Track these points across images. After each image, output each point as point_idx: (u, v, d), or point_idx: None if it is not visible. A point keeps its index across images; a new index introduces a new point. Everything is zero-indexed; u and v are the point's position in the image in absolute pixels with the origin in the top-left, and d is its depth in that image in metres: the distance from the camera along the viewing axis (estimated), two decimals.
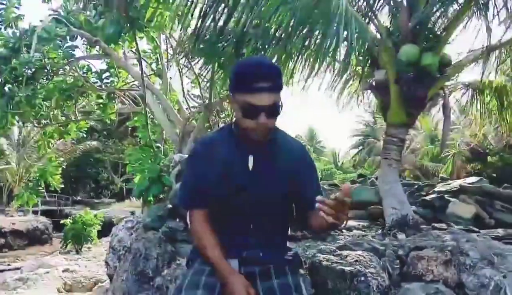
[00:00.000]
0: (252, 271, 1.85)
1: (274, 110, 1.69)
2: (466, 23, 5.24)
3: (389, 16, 5.43)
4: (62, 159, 11.69)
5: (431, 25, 5.17)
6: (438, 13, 5.19)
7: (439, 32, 5.17)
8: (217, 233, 1.87)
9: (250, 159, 1.83)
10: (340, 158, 29.53)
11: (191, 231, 2.00)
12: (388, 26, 5.33)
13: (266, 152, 1.85)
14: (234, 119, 1.91)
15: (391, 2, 5.31)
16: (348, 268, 2.85)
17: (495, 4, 4.76)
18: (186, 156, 5.40)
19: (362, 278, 2.80)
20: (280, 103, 1.72)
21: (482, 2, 4.88)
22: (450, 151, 19.37)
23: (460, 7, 5.04)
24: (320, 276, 2.87)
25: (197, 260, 1.94)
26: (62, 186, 10.67)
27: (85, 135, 13.29)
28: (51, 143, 10.89)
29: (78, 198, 30.33)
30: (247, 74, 1.70)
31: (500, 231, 3.99)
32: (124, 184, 29.41)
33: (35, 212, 22.76)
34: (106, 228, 11.69)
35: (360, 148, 25.32)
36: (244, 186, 1.82)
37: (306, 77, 5.67)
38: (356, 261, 2.94)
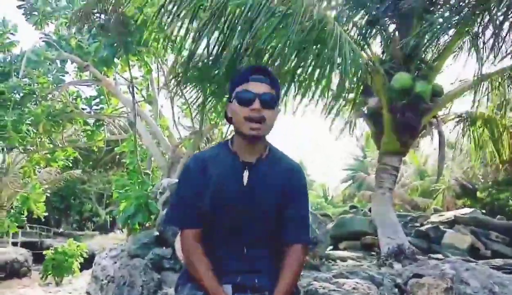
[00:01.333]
0: None
1: (268, 99, 1.69)
2: (457, 54, 5.29)
3: (381, 45, 5.49)
4: (46, 186, 11.39)
5: (423, 54, 5.24)
6: (429, 43, 5.25)
7: (431, 62, 5.23)
8: (210, 257, 1.74)
9: (245, 174, 1.74)
10: (329, 192, 29.47)
11: (182, 251, 1.89)
12: (381, 55, 5.37)
13: (261, 168, 1.77)
14: (230, 136, 1.87)
15: (383, 31, 5.39)
16: None
17: (484, 35, 4.82)
18: (175, 181, 5.26)
19: None
20: (275, 98, 1.73)
21: (472, 33, 4.96)
22: (440, 186, 19.48)
23: (451, 37, 5.12)
24: None
25: (187, 285, 1.80)
26: (46, 213, 10.33)
27: (70, 165, 13.04)
28: (36, 171, 10.64)
29: (60, 229, 29.47)
30: (245, 70, 1.81)
31: (498, 261, 3.88)
32: (108, 216, 28.75)
33: (14, 244, 21.99)
34: (89, 261, 11.27)
35: (350, 182, 25.30)
36: (239, 201, 1.73)
37: (297, 105, 5.64)
38: (354, 288, 2.80)
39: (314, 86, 5.34)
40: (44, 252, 13.32)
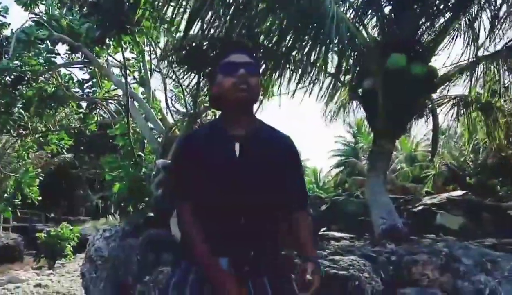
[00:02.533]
0: (242, 271, 1.72)
1: (251, 67, 1.75)
2: (454, 36, 5.28)
3: (377, 26, 5.45)
4: (39, 170, 11.29)
5: (419, 36, 5.22)
6: (425, 25, 5.23)
7: (426, 44, 5.21)
8: (206, 230, 1.75)
9: (237, 146, 1.76)
10: (321, 178, 29.59)
11: (178, 226, 1.90)
12: (377, 36, 5.34)
13: (252, 139, 1.79)
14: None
15: (379, 13, 5.35)
16: (342, 272, 2.73)
17: (481, 17, 4.81)
18: (170, 162, 5.24)
19: (357, 283, 2.69)
20: (256, 65, 1.80)
21: (469, 15, 4.95)
22: (430, 172, 19.61)
23: (447, 19, 5.10)
24: None
25: (183, 261, 1.81)
26: (40, 198, 10.25)
27: (63, 150, 12.93)
28: (29, 155, 10.52)
29: (52, 215, 29.33)
30: (226, 49, 1.99)
31: (489, 241, 3.93)
32: (100, 201, 28.65)
33: (5, 229, 21.86)
34: (81, 245, 11.27)
35: (341, 168, 25.39)
36: (232, 174, 1.73)
37: (294, 88, 5.62)
38: (350, 265, 2.83)
39: (310, 67, 5.32)
40: (37, 235, 13.29)
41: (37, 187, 10.15)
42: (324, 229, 5.43)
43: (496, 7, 4.69)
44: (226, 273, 1.65)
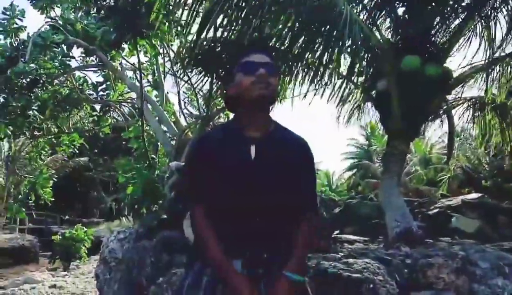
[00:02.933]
0: (255, 273, 1.71)
1: (271, 67, 1.75)
2: (469, 37, 5.21)
3: (390, 27, 5.41)
4: (53, 172, 11.45)
5: (433, 37, 5.16)
6: (440, 26, 5.17)
7: (441, 45, 5.16)
8: (220, 232, 1.74)
9: (253, 148, 1.75)
10: (334, 180, 29.36)
11: (192, 227, 1.91)
12: (390, 38, 5.30)
13: (268, 142, 1.78)
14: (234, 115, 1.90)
15: (393, 14, 5.31)
16: (356, 275, 2.71)
17: (497, 16, 4.74)
18: (183, 164, 5.26)
19: (371, 286, 2.66)
20: (275, 66, 1.81)
21: (484, 16, 4.88)
22: (445, 175, 19.38)
23: (462, 20, 5.04)
24: (326, 284, 2.71)
25: (196, 264, 1.80)
26: (53, 199, 10.39)
27: (77, 151, 13.09)
28: (43, 156, 10.67)
29: (66, 217, 29.69)
30: (246, 49, 1.85)
31: (507, 244, 3.86)
32: (114, 204, 28.92)
33: (21, 230, 22.20)
34: (95, 247, 11.36)
35: (354, 170, 25.19)
36: (247, 176, 1.73)
37: (306, 90, 5.60)
38: (364, 268, 2.80)
39: (322, 69, 5.30)
40: (52, 237, 13.44)
41: (51, 189, 10.29)
42: (338, 231, 5.40)
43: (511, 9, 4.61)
44: (240, 275, 1.64)
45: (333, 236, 4.70)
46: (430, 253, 3.12)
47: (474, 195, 5.77)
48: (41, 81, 8.66)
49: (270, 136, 1.79)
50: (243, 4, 4.68)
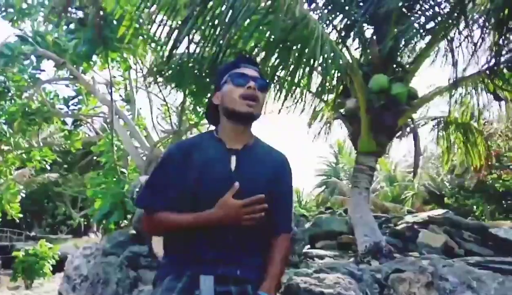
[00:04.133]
0: (228, 290, 1.67)
1: (261, 82, 1.74)
2: (434, 58, 5.44)
3: (359, 48, 5.58)
4: (21, 187, 11.08)
5: (400, 58, 5.35)
6: (405, 48, 5.38)
7: (407, 65, 5.35)
8: (190, 245, 1.70)
9: (233, 160, 1.72)
10: (303, 197, 29.61)
11: (147, 229, 1.87)
12: (358, 58, 5.47)
13: (249, 155, 1.75)
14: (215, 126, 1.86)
15: (361, 35, 5.48)
16: (328, 291, 2.71)
17: (460, 40, 4.97)
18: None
19: None
20: (265, 82, 1.79)
21: (448, 38, 5.11)
22: (409, 192, 19.92)
23: (427, 42, 5.26)
24: None
25: (167, 277, 1.75)
26: (20, 215, 10.03)
27: (48, 167, 12.71)
28: (12, 172, 10.34)
29: (33, 233, 28.60)
30: (237, 59, 1.86)
31: (473, 259, 3.97)
32: (83, 220, 28.10)
33: None
34: (61, 265, 10.96)
35: (324, 187, 25.52)
36: (225, 188, 1.68)
37: (280, 106, 5.67)
38: (336, 283, 2.81)
39: (295, 86, 5.39)
40: (14, 254, 12.89)
41: (18, 204, 9.93)
42: (308, 246, 5.42)
43: (473, 32, 4.85)
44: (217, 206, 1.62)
45: (303, 251, 4.71)
46: (401, 268, 3.17)
47: (439, 211, 5.92)
48: (9, 94, 8.45)
49: (250, 149, 1.76)
50: (217, 19, 4.73)
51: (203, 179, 1.69)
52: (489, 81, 5.33)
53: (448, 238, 4.94)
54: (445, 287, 2.89)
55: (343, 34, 5.52)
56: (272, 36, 4.56)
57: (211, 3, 4.17)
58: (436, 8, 5.24)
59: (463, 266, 3.31)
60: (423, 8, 5.32)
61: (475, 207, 16.26)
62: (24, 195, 12.49)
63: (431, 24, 5.31)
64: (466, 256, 4.56)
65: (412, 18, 5.29)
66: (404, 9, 5.41)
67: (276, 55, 4.85)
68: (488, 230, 5.12)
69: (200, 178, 1.69)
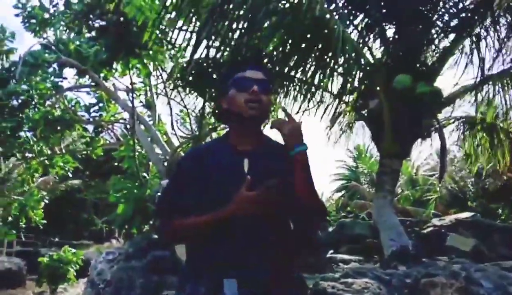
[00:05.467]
0: (251, 293, 1.63)
1: (265, 84, 1.72)
2: (458, 56, 5.29)
3: (381, 48, 5.47)
4: (44, 193, 11.27)
5: (423, 57, 5.23)
6: (429, 47, 5.25)
7: (431, 64, 5.22)
8: (210, 251, 1.67)
9: (246, 162, 1.71)
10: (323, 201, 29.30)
11: (166, 236, 1.86)
12: (381, 57, 5.37)
13: (261, 155, 1.74)
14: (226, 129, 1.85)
15: (383, 35, 5.38)
16: None
17: (486, 37, 4.82)
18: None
19: None
20: (270, 84, 1.77)
21: (473, 35, 4.97)
22: (432, 196, 19.52)
23: (452, 40, 5.13)
24: None
25: (189, 282, 1.72)
26: (44, 221, 10.20)
27: (69, 175, 12.90)
28: (34, 179, 10.53)
29: (56, 239, 29.12)
30: (240, 63, 1.83)
31: (507, 263, 3.81)
32: (104, 226, 28.50)
33: (9, 253, 21.67)
34: (84, 270, 11.09)
35: (343, 192, 25.26)
36: (240, 189, 1.67)
37: (298, 108, 5.61)
38: (364, 288, 2.73)
39: (314, 88, 5.33)
40: (39, 260, 13.10)
41: (42, 211, 10.09)
42: (332, 251, 5.33)
43: (500, 28, 4.71)
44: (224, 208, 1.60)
45: (327, 255, 4.63)
46: (431, 272, 3.06)
47: (467, 214, 5.74)
48: (33, 102, 8.62)
49: (262, 149, 1.76)
50: (236, 22, 4.71)
51: (217, 183, 1.69)
52: None
53: (478, 242, 4.77)
54: (479, 292, 2.78)
55: (364, 34, 5.43)
56: (292, 37, 4.51)
57: (231, 5, 4.14)
58: (460, 5, 5.11)
59: (497, 270, 3.18)
60: (446, 6, 5.19)
61: (500, 210, 15.81)
62: (47, 202, 12.73)
63: (455, 22, 5.19)
64: (498, 260, 4.39)
65: (436, 16, 5.17)
66: (426, 7, 5.28)
67: (295, 56, 4.81)
68: None
69: (214, 182, 1.70)
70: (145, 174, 6.81)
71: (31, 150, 9.59)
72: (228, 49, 5.04)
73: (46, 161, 10.15)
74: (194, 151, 1.95)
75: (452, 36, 5.23)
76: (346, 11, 5.52)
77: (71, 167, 10.43)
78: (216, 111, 2.01)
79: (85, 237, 30.54)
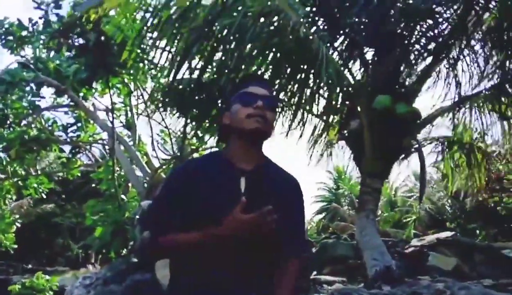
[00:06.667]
0: None
1: (270, 100, 1.68)
2: (436, 78, 5.45)
3: (360, 69, 5.59)
4: (17, 216, 10.88)
5: (402, 78, 5.35)
6: (407, 69, 5.38)
7: (409, 85, 5.35)
8: (199, 269, 1.61)
9: (242, 181, 1.65)
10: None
11: (158, 252, 1.73)
12: (361, 79, 5.47)
13: (259, 175, 1.68)
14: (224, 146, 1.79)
15: (362, 57, 5.50)
16: None
17: (463, 59, 4.99)
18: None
19: None
20: (275, 101, 1.79)
21: (452, 57, 5.12)
22: (410, 217, 19.76)
23: (429, 62, 5.27)
24: None
25: None
26: (15, 246, 9.79)
27: (44, 197, 12.50)
28: (7, 202, 10.17)
29: (29, 266, 28.02)
30: (245, 78, 1.83)
31: (488, 281, 3.84)
32: (80, 251, 27.65)
33: None
34: None
35: (324, 214, 25.28)
36: (234, 208, 1.63)
37: (280, 129, 5.63)
38: None
39: (300, 109, 5.36)
40: (9, 288, 12.52)
41: (13, 235, 9.71)
42: (315, 272, 5.27)
43: (475, 51, 4.88)
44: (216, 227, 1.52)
45: (311, 277, 4.57)
46: (416, 291, 3.05)
47: (447, 233, 5.81)
48: (8, 121, 8.40)
49: (261, 170, 1.69)
50: (220, 43, 4.73)
51: (210, 201, 1.62)
52: (494, 99, 5.30)
53: (459, 261, 4.81)
54: None
55: (344, 56, 5.54)
56: (276, 59, 4.55)
57: (216, 28, 4.16)
58: (436, 30, 5.28)
59: (481, 289, 3.20)
60: (423, 30, 5.35)
61: (477, 231, 16.08)
62: (19, 226, 12.26)
63: (432, 45, 5.35)
64: (479, 279, 4.42)
65: (413, 40, 5.33)
66: (404, 31, 5.44)
67: (279, 79, 4.85)
68: (500, 251, 5.00)
69: (207, 199, 1.62)
70: (124, 196, 6.66)
71: (4, 170, 9.29)
72: (212, 70, 5.06)
73: (19, 182, 9.82)
74: (187, 165, 1.84)
75: (429, 59, 5.39)
76: (327, 33, 5.64)
77: (46, 188, 10.10)
78: (218, 127, 1.94)
79: (60, 263, 29.42)
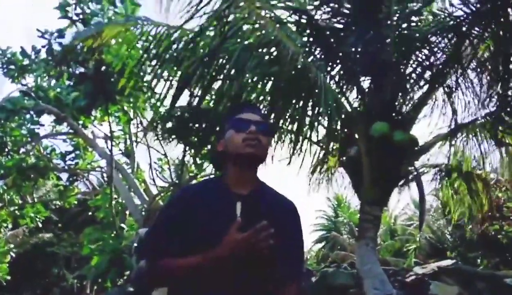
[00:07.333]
0: None
1: (263, 126, 1.71)
2: (432, 105, 5.52)
3: (357, 97, 5.66)
4: (12, 245, 10.73)
5: (398, 106, 5.41)
6: (403, 97, 5.45)
7: (406, 113, 5.41)
8: (192, 292, 1.60)
9: (238, 206, 1.66)
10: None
11: (151, 281, 1.78)
12: (358, 107, 5.53)
13: (256, 200, 1.69)
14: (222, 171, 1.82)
15: (359, 85, 5.58)
16: None
17: (459, 87, 5.07)
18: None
19: None
20: (268, 126, 1.79)
21: (447, 86, 5.21)
22: (411, 246, 19.57)
23: (425, 90, 5.35)
24: None
25: None
26: (8, 277, 9.61)
27: (40, 226, 12.38)
28: (2, 229, 10.06)
29: None
30: (239, 105, 1.92)
31: None
32: (76, 281, 27.15)
33: None
34: None
35: (324, 243, 24.96)
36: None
37: (280, 157, 5.64)
38: None
39: (297, 136, 5.40)
40: None
41: (7, 265, 9.56)
42: None
43: (471, 80, 4.96)
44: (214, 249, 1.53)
45: None
46: None
47: (448, 261, 5.74)
48: (6, 148, 8.42)
49: (257, 194, 1.71)
50: (218, 74, 4.80)
51: (207, 227, 1.64)
52: (491, 126, 5.35)
53: (461, 289, 4.74)
54: None
55: (341, 84, 5.62)
56: (276, 88, 4.62)
57: (216, 58, 4.25)
58: (432, 58, 5.38)
59: None
60: (419, 59, 5.45)
61: (478, 260, 15.90)
62: (14, 255, 12.09)
63: (428, 73, 5.44)
64: None
65: (409, 69, 5.42)
66: (400, 60, 5.54)
67: (280, 106, 4.90)
68: (503, 279, 4.94)
69: (204, 225, 1.64)
70: (121, 224, 6.60)
71: (1, 198, 9.23)
72: (211, 98, 5.12)
73: (16, 211, 9.75)
74: (185, 191, 1.87)
75: (426, 87, 5.47)
76: (323, 62, 5.74)
77: (42, 216, 10.02)
78: (213, 155, 1.98)
79: (54, 294, 28.84)
